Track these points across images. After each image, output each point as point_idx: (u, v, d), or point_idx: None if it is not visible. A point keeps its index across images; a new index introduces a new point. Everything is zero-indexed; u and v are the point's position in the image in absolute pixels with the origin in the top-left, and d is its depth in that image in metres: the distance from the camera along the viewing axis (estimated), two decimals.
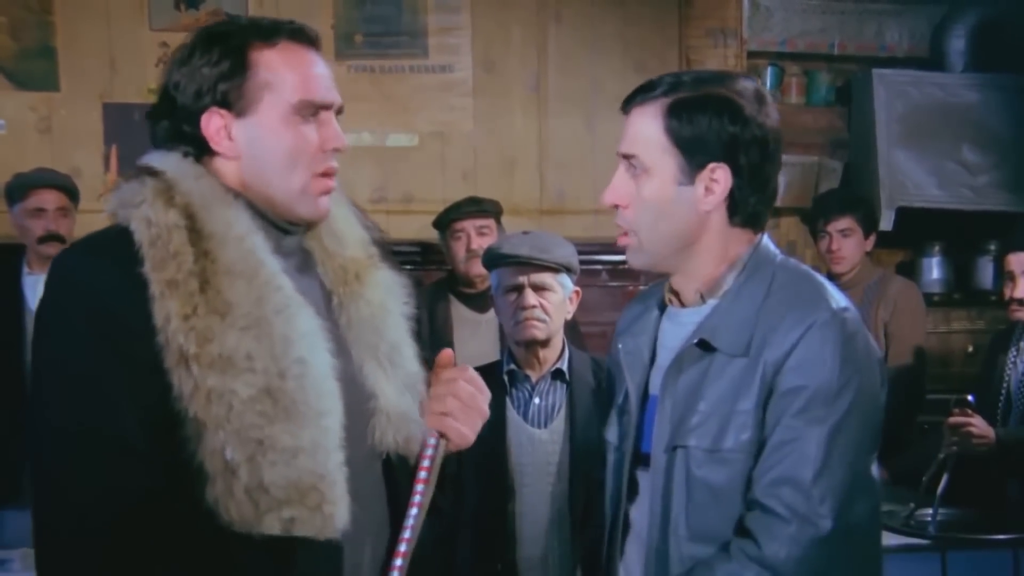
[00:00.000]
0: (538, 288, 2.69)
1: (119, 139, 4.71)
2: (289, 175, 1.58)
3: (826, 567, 1.63)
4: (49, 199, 3.87)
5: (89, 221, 4.32)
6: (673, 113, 1.70)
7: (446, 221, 3.92)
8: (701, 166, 1.70)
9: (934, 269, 5.20)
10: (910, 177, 4.98)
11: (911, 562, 2.98)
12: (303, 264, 1.67)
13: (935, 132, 5.01)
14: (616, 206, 1.76)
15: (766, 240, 1.80)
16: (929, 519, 3.07)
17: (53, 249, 3.87)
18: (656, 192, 1.71)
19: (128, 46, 4.70)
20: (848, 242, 4.13)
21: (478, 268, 3.53)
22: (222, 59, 1.56)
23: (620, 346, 1.85)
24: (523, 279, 2.69)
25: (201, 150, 1.58)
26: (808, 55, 5.31)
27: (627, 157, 1.74)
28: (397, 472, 1.72)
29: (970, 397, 3.24)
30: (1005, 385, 3.44)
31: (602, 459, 1.93)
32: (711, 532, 1.67)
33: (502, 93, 4.98)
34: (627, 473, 1.80)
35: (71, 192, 3.96)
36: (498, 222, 3.95)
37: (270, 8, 4.69)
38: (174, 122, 1.58)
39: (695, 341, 1.71)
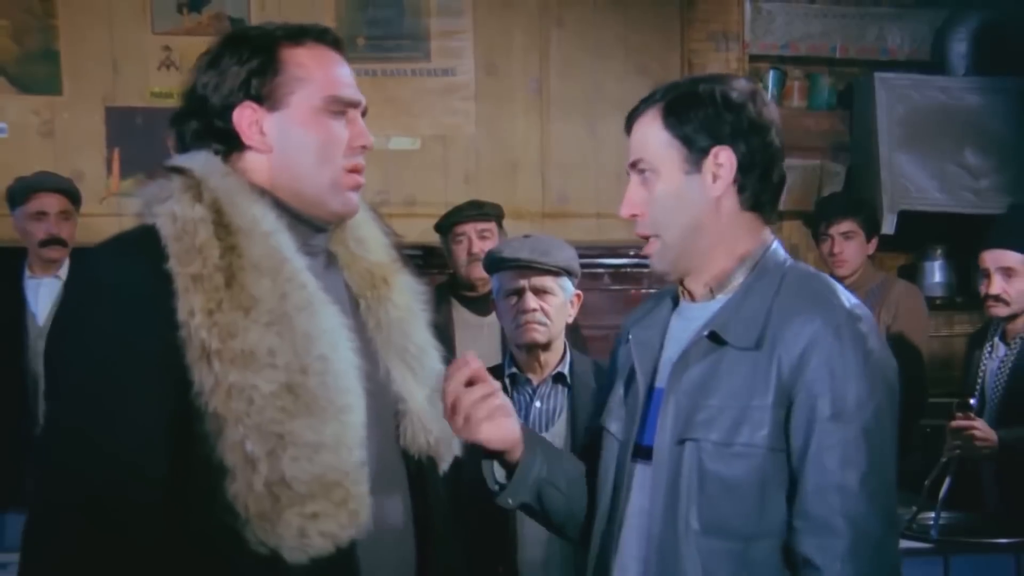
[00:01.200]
0: (539, 291, 2.69)
1: (121, 143, 4.72)
2: (320, 169, 1.60)
3: (878, 569, 1.66)
4: (51, 203, 3.88)
5: (91, 225, 4.34)
6: (669, 110, 1.76)
7: (448, 225, 3.93)
8: (704, 152, 1.74)
9: (936, 272, 5.20)
10: (912, 180, 4.98)
11: (914, 566, 2.97)
12: (328, 265, 1.68)
13: (937, 135, 5.01)
14: (634, 216, 1.79)
15: (777, 244, 1.82)
16: (931, 523, 3.06)
17: (55, 253, 3.88)
18: (667, 187, 1.75)
19: (130, 49, 4.71)
20: (850, 245, 4.14)
21: (479, 271, 3.53)
22: (253, 56, 1.59)
23: (631, 336, 1.86)
24: (524, 283, 2.69)
25: (231, 146, 1.59)
26: (810, 59, 5.31)
27: (635, 164, 1.79)
28: (427, 474, 1.73)
29: (972, 400, 3.25)
30: (980, 380, 3.48)
31: (592, 448, 1.91)
32: (726, 525, 1.67)
33: (504, 96, 4.99)
34: (627, 465, 1.79)
35: (73, 196, 3.97)
36: (500, 226, 3.96)
37: (272, 10, 4.70)
38: (204, 120, 1.60)
39: (706, 333, 1.72)
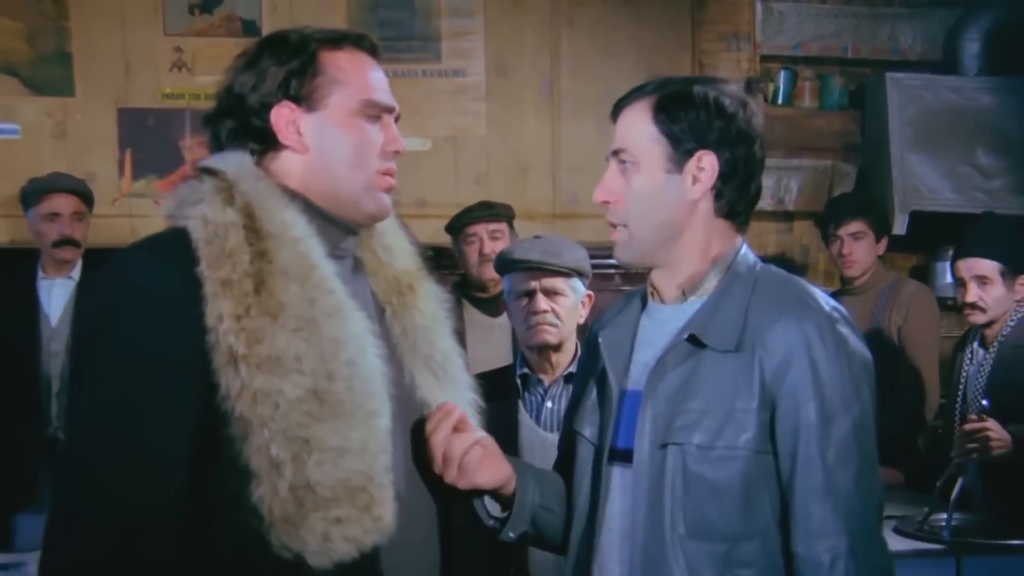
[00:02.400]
0: (549, 293, 2.69)
1: (133, 144, 4.74)
2: (355, 171, 1.61)
3: (877, 564, 1.69)
4: (64, 204, 3.90)
5: (103, 226, 4.36)
6: (661, 106, 1.76)
7: (459, 225, 3.93)
8: (689, 154, 1.74)
9: (947, 273, 5.15)
10: (924, 181, 4.96)
11: (926, 567, 2.97)
12: (355, 270, 1.69)
13: (949, 136, 4.99)
14: (607, 203, 1.80)
15: (746, 247, 1.83)
16: (943, 524, 3.06)
17: (67, 253, 3.90)
18: (646, 182, 1.76)
19: (143, 51, 4.73)
20: (860, 245, 4.12)
21: (491, 272, 3.53)
22: (292, 58, 1.60)
23: (601, 340, 1.85)
24: (534, 284, 2.70)
25: (266, 146, 1.60)
26: (821, 59, 5.30)
27: (617, 153, 1.79)
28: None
29: (985, 402, 3.24)
30: (962, 385, 3.51)
31: (569, 453, 1.91)
32: (711, 528, 1.68)
33: (515, 97, 4.99)
34: (604, 469, 1.79)
35: (86, 197, 3.99)
36: (511, 226, 3.96)
37: (283, 12, 4.72)
38: (241, 119, 1.60)
39: (685, 336, 1.72)
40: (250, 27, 4.75)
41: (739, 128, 1.75)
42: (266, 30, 4.65)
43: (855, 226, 4.11)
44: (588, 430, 1.85)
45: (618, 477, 1.77)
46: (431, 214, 4.63)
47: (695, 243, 1.78)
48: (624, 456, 1.76)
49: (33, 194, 3.93)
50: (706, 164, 1.74)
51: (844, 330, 1.71)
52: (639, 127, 1.76)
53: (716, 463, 1.67)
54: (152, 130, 4.74)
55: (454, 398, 1.72)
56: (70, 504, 1.45)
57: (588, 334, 1.98)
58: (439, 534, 1.70)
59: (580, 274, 2.74)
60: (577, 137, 4.99)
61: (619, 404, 1.79)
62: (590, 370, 1.91)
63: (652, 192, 1.75)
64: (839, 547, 1.64)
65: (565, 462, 1.93)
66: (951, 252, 5.12)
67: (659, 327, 1.79)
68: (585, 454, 1.85)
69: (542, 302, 2.68)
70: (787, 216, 5.21)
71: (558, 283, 2.70)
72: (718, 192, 1.76)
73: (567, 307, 2.71)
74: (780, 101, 5.21)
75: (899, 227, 4.79)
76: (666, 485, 1.69)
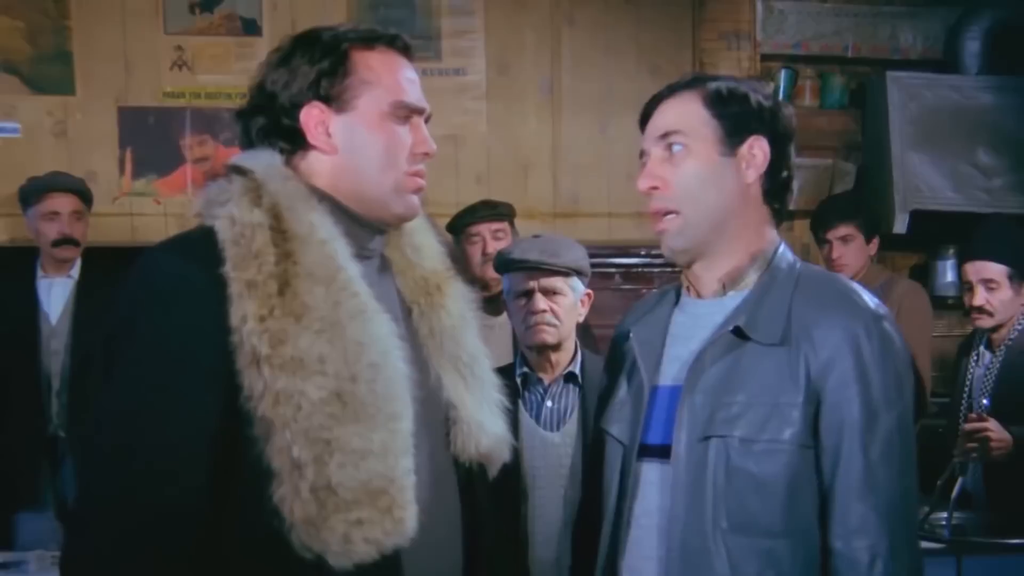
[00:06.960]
0: (548, 292, 2.69)
1: (134, 142, 4.74)
2: (383, 172, 1.61)
3: (915, 561, 1.72)
4: (63, 203, 3.91)
5: (103, 224, 4.36)
6: (715, 93, 1.78)
7: (461, 225, 3.91)
8: (742, 139, 1.77)
9: (948, 272, 5.17)
10: (924, 180, 4.96)
11: (926, 567, 2.96)
12: (382, 269, 1.69)
13: (949, 135, 4.99)
14: (654, 189, 1.79)
15: (784, 245, 1.84)
16: (944, 523, 3.06)
17: (67, 252, 3.90)
18: (699, 165, 1.76)
19: (143, 50, 4.73)
20: (849, 249, 4.11)
21: (493, 272, 3.53)
22: (324, 57, 1.60)
23: (633, 336, 1.85)
24: (532, 284, 2.70)
25: (296, 145, 1.60)
26: (822, 58, 5.30)
27: (666, 136, 1.78)
28: (476, 482, 1.74)
29: (985, 401, 3.24)
30: (967, 388, 3.52)
31: (598, 453, 1.91)
32: (754, 522, 1.67)
33: (516, 96, 4.99)
34: (633, 465, 1.79)
35: (85, 196, 3.99)
36: (512, 225, 3.95)
37: (284, 11, 4.71)
38: (271, 116, 1.60)
39: (730, 328, 1.72)
40: (250, 26, 4.75)
41: (784, 123, 1.80)
42: (267, 29, 4.65)
43: (843, 230, 4.12)
44: (616, 428, 1.85)
45: (649, 473, 1.77)
46: (431, 213, 4.51)
47: (743, 232, 1.79)
48: (655, 452, 1.76)
49: (32, 193, 3.94)
50: (758, 150, 1.77)
51: (889, 327, 1.72)
52: (691, 111, 1.78)
53: (760, 457, 1.67)
54: (152, 129, 4.75)
55: (479, 399, 1.72)
56: (92, 495, 1.46)
57: (616, 331, 1.98)
58: (465, 535, 1.70)
59: (579, 273, 2.74)
60: (578, 136, 4.99)
61: (650, 400, 1.79)
62: (618, 367, 1.91)
63: (707, 175, 1.76)
64: (879, 546, 1.65)
65: (596, 463, 1.92)
66: (952, 251, 5.15)
67: (695, 321, 1.80)
68: (613, 452, 1.84)
69: (540, 302, 2.68)
70: (787, 215, 5.20)
71: (556, 282, 2.70)
72: (765, 179, 1.79)
73: (566, 306, 2.71)
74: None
75: (899, 226, 4.79)
76: (707, 479, 1.69)
